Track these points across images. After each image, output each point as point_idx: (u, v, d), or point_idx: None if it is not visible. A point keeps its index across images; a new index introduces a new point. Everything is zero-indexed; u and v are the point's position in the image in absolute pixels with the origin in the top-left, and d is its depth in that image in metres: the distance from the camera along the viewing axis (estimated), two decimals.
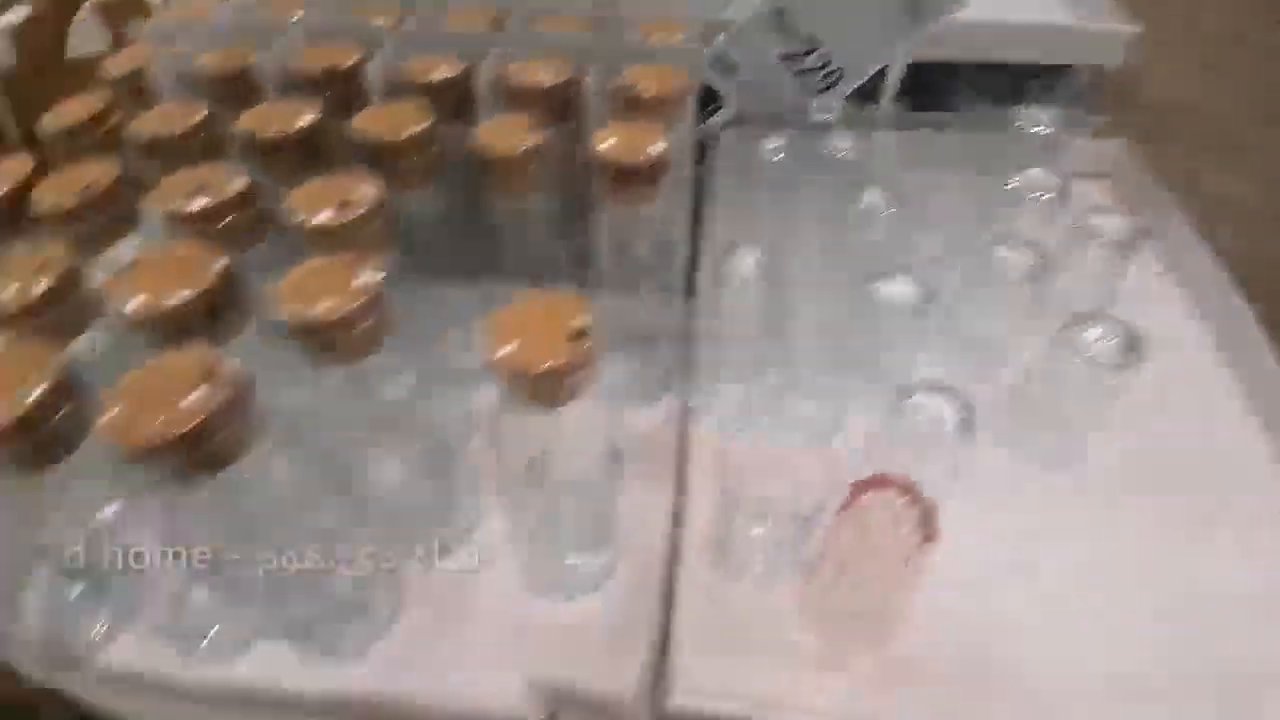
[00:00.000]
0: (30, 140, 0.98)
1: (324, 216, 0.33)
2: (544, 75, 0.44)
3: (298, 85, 0.44)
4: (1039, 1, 0.81)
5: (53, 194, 0.34)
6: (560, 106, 0.45)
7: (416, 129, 0.38)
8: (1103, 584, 0.42)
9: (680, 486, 0.45)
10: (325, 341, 0.29)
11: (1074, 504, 0.46)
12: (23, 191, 0.36)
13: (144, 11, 0.70)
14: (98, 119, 0.42)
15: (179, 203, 0.34)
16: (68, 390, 0.26)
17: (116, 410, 0.23)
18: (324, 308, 0.28)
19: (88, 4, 0.80)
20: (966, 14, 0.63)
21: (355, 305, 0.28)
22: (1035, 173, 0.58)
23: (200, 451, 0.24)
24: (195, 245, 0.31)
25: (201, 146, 0.40)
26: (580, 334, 0.28)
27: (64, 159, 0.41)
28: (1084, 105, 0.77)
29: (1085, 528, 0.44)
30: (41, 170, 0.38)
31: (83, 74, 0.87)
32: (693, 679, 0.37)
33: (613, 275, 0.46)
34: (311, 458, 0.31)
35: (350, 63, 0.44)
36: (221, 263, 0.30)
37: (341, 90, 0.44)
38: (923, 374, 0.52)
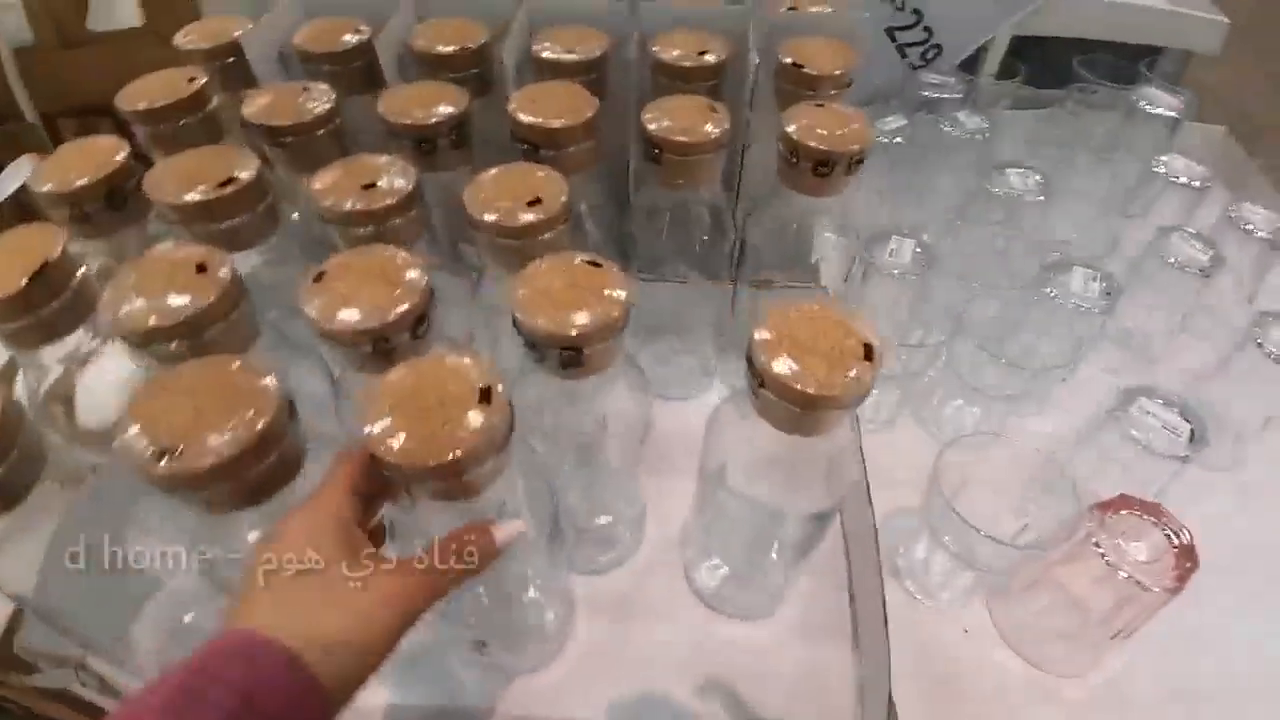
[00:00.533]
0: (47, 119, 0.91)
1: (521, 215, 0.29)
2: (701, 52, 0.39)
3: (427, 64, 0.39)
4: None
5: (182, 186, 0.29)
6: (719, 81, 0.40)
7: (584, 117, 0.34)
8: None
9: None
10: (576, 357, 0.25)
11: (1240, 499, 0.43)
12: (123, 177, 0.31)
13: None
14: (195, 100, 0.36)
15: (347, 200, 0.29)
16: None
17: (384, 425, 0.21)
18: (579, 324, 0.24)
19: None
20: None
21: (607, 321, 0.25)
22: (1176, 160, 0.55)
23: (460, 479, 0.22)
24: (386, 249, 0.27)
25: (330, 133, 0.35)
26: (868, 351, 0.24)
27: (159, 141, 0.36)
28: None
29: (1246, 520, 0.42)
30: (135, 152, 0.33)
31: (109, 47, 0.80)
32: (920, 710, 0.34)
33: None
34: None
35: (482, 41, 0.39)
36: (420, 274, 0.26)
37: (474, 70, 0.39)
38: (1087, 372, 0.49)
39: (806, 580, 0.40)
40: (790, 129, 0.34)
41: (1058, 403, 0.48)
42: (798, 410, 0.23)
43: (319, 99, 0.35)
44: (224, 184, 0.29)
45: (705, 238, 0.42)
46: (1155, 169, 0.54)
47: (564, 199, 0.30)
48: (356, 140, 0.37)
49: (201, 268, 0.25)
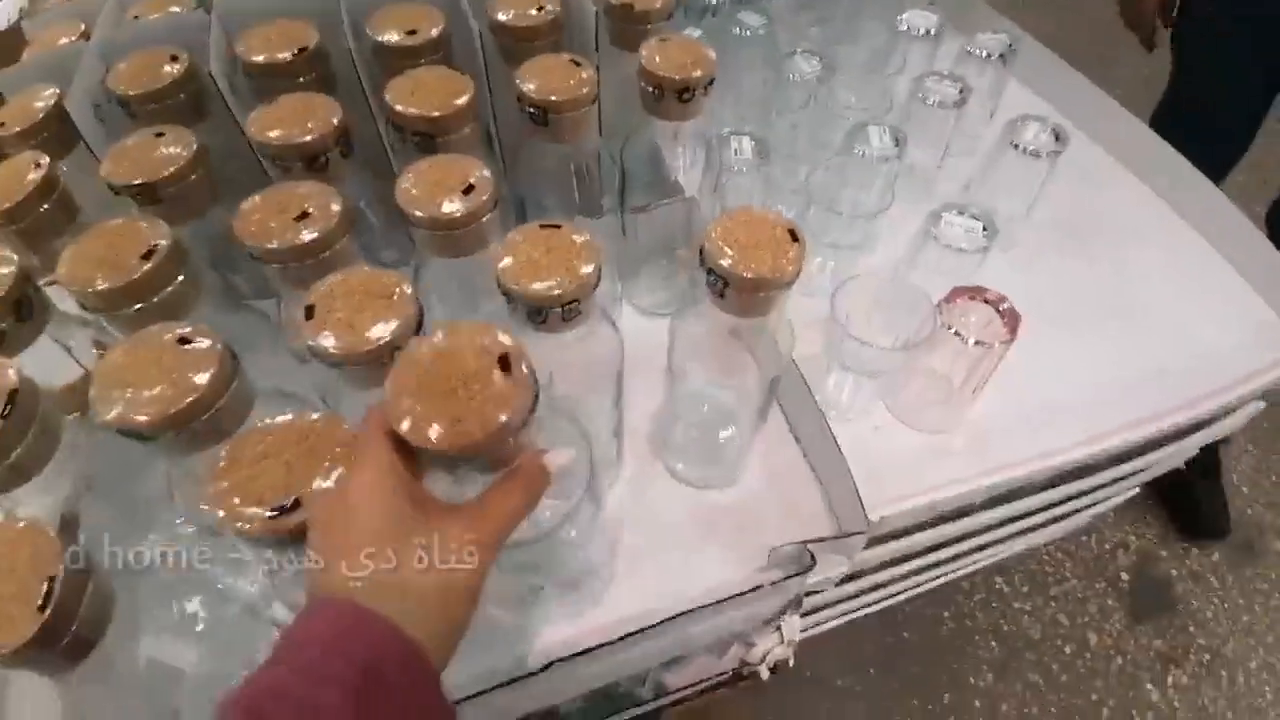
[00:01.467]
0: None
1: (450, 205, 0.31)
2: (533, 9, 0.42)
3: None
4: None
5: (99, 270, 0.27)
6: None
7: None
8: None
9: None
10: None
11: (1028, 268, 0.59)
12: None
13: None
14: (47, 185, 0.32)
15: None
16: None
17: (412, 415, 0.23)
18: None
19: None
20: None
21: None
22: (914, 15, 0.67)
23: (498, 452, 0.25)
24: None
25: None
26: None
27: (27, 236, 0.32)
28: None
29: (1033, 280, 0.57)
30: None
31: None
32: (869, 496, 0.44)
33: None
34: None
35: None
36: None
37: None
38: (897, 208, 0.61)
39: (760, 444, 0.49)
40: (651, 66, 0.38)
41: (884, 236, 0.60)
42: (756, 295, 0.30)
43: (176, 144, 0.33)
44: (145, 256, 0.28)
45: (586, 182, 0.46)
46: (899, 28, 0.66)
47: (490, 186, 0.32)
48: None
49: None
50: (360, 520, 0.21)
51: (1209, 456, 1.15)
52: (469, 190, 0.32)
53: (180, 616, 0.32)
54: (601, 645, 0.35)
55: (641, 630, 0.35)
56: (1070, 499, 0.56)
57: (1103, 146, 0.69)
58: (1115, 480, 0.56)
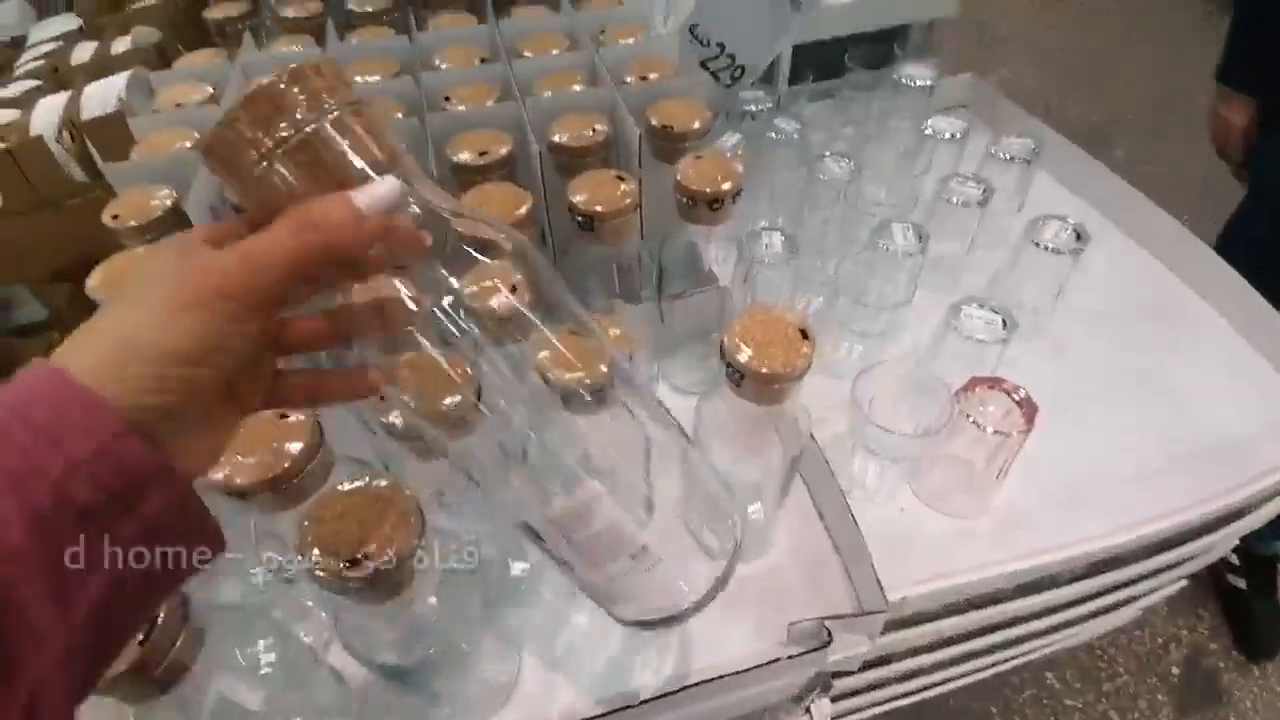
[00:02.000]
0: None
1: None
2: (586, 133, 0.48)
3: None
4: None
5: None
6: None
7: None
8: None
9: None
10: None
11: (1056, 356, 0.60)
12: None
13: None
14: None
15: None
16: None
17: None
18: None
19: None
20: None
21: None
22: (939, 120, 0.72)
23: None
24: None
25: None
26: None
27: None
28: (925, 51, 0.94)
29: (1061, 368, 0.59)
30: None
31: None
32: (891, 577, 0.46)
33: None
34: None
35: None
36: None
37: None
38: (921, 297, 0.64)
39: (785, 518, 0.51)
40: (685, 180, 0.44)
41: (910, 326, 0.63)
42: (770, 387, 0.33)
43: None
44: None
45: (627, 275, 0.51)
46: (925, 132, 0.71)
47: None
48: None
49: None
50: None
51: (1266, 574, 1.12)
52: (514, 289, 0.37)
53: (247, 659, 0.36)
54: (620, 710, 0.37)
55: (661, 697, 0.37)
56: (1107, 591, 0.55)
57: (1130, 236, 0.71)
58: (1154, 572, 0.55)
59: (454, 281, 0.24)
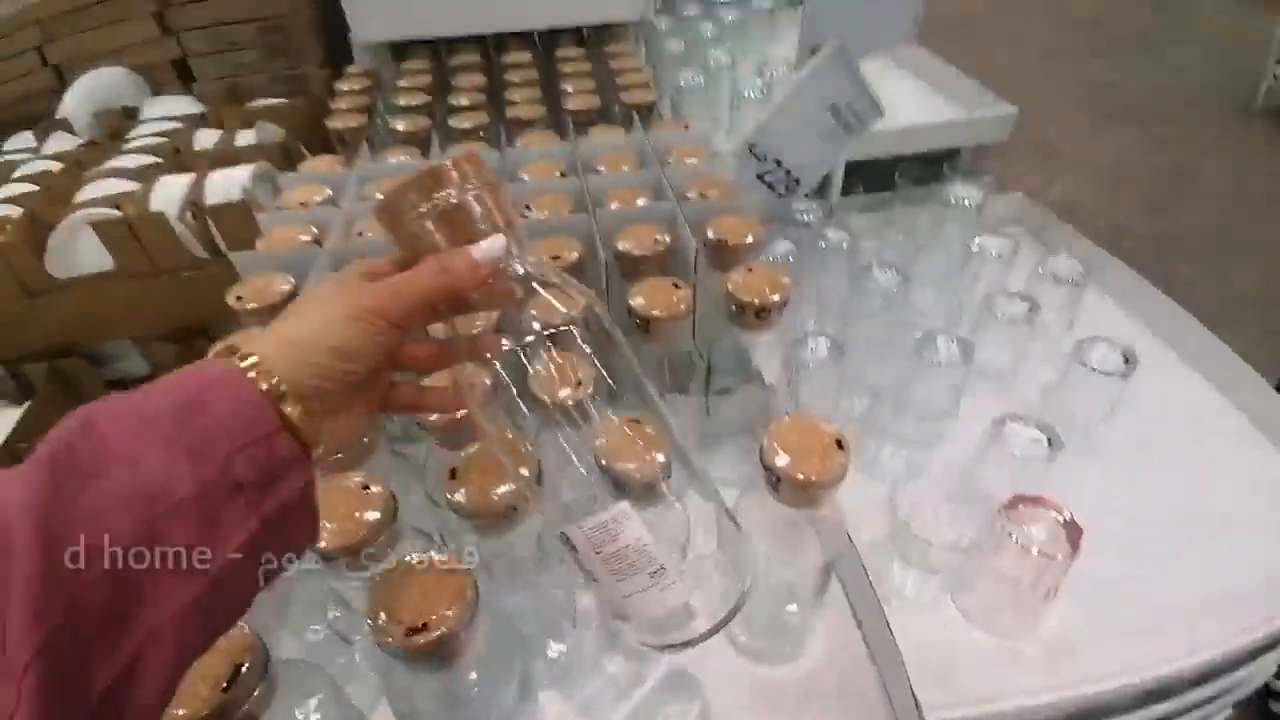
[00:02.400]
0: (10, 365, 0.92)
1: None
2: (649, 243, 0.53)
3: None
4: (931, 101, 1.04)
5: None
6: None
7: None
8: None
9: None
10: None
11: (1105, 477, 0.59)
12: None
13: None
14: None
15: None
16: None
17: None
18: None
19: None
20: (886, 122, 0.80)
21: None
22: (987, 240, 0.75)
23: None
24: None
25: None
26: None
27: None
28: (977, 167, 0.98)
29: (1112, 489, 0.57)
30: None
31: (76, 291, 0.85)
32: (931, 697, 0.45)
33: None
34: None
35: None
36: None
37: None
38: (967, 405, 0.65)
39: (820, 622, 0.51)
40: (735, 290, 0.48)
41: (956, 434, 0.63)
42: (805, 493, 0.35)
43: None
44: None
45: (678, 370, 0.55)
46: (973, 249, 0.74)
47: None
48: None
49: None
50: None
51: None
52: (578, 384, 0.40)
53: (301, 713, 0.38)
54: None
55: None
56: None
57: (1183, 359, 0.71)
58: (1204, 701, 0.51)
59: (536, 325, 0.31)
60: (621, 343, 0.33)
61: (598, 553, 0.29)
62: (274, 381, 0.24)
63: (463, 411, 0.38)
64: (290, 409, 0.24)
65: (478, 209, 0.29)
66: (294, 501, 0.24)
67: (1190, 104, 2.65)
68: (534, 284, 0.31)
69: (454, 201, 0.28)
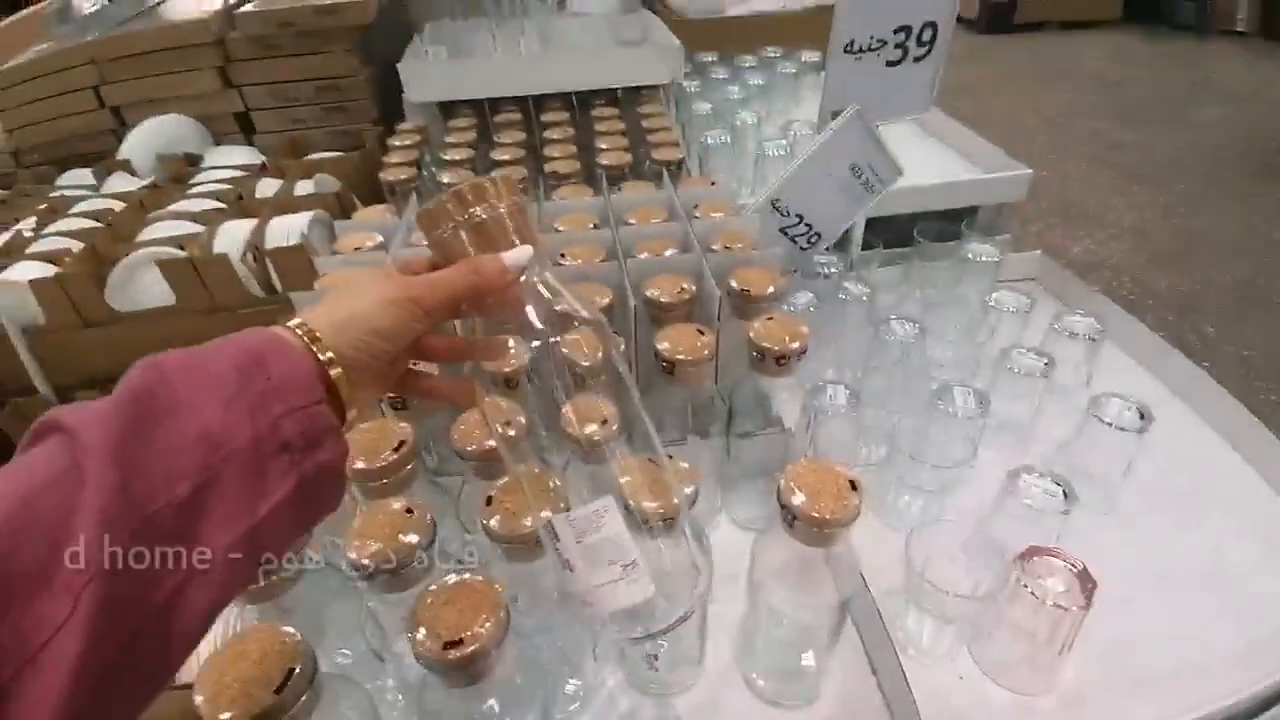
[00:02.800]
0: (61, 391, 0.97)
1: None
2: (675, 291, 0.57)
3: None
4: (949, 161, 1.08)
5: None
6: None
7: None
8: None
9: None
10: None
11: (1120, 531, 0.60)
12: None
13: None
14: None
15: None
16: None
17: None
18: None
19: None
20: (905, 180, 0.84)
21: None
22: (1004, 295, 0.77)
23: None
24: None
25: None
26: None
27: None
28: (995, 226, 1.01)
29: (1127, 545, 0.58)
30: None
31: (132, 324, 0.90)
32: None
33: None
34: None
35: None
36: None
37: None
38: (984, 456, 0.66)
39: (836, 666, 0.51)
40: (756, 337, 0.50)
41: (969, 483, 0.64)
42: (820, 531, 0.37)
43: None
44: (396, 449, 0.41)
45: (700, 413, 0.57)
46: (990, 304, 0.76)
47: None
48: None
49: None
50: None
51: None
52: (604, 422, 0.43)
53: None
54: None
55: None
56: None
57: (1199, 416, 0.71)
58: None
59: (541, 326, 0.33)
60: (616, 344, 0.36)
61: (579, 542, 0.32)
62: (328, 355, 0.28)
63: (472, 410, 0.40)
64: (337, 378, 0.28)
65: (508, 224, 0.33)
66: (330, 467, 0.27)
67: (1210, 164, 2.67)
68: (548, 293, 0.34)
69: (485, 217, 0.32)
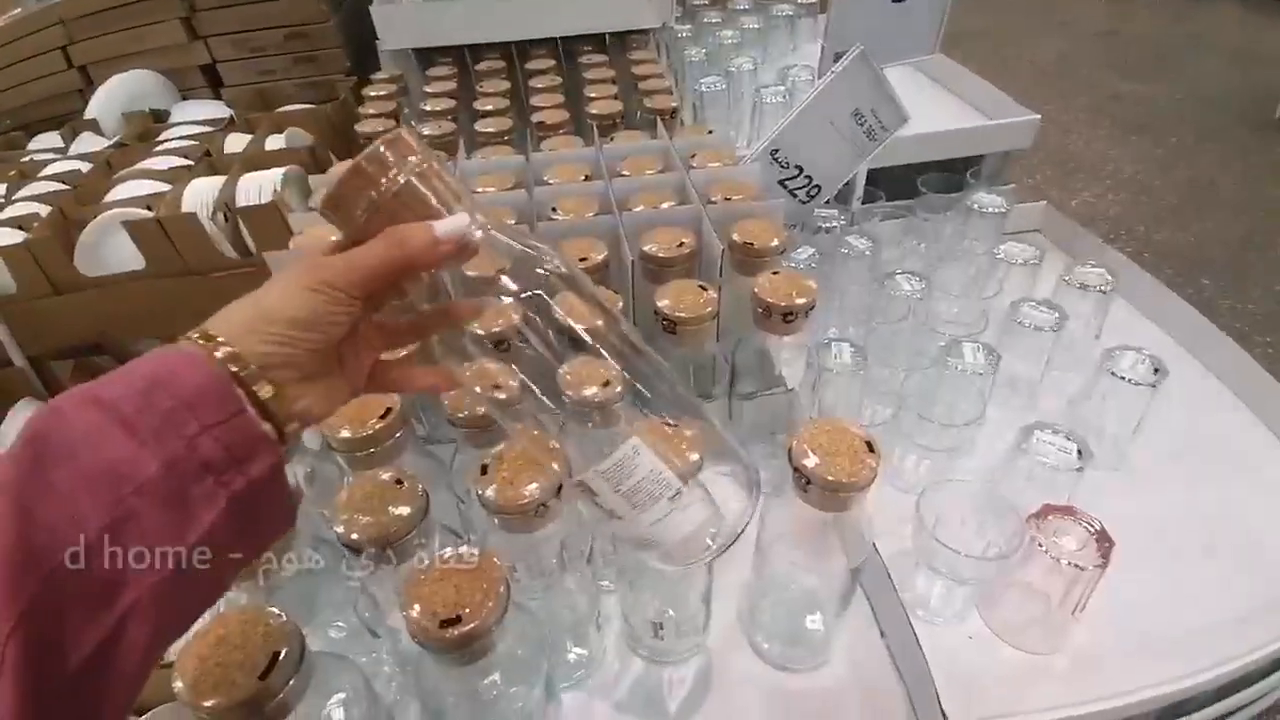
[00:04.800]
0: (36, 361, 0.93)
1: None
2: (674, 245, 0.53)
3: None
4: (953, 108, 1.04)
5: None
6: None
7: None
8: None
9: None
10: None
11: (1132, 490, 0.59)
12: None
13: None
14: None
15: None
16: None
17: None
18: None
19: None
20: (909, 128, 0.80)
21: None
22: (1012, 247, 0.74)
23: None
24: None
25: None
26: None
27: None
28: (998, 177, 0.97)
29: (1139, 502, 0.56)
30: None
31: (104, 290, 0.86)
32: (957, 710, 0.44)
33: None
34: None
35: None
36: None
37: None
38: (993, 414, 0.64)
39: (845, 631, 0.50)
40: (761, 292, 0.48)
41: (982, 444, 0.62)
42: (835, 495, 0.35)
43: None
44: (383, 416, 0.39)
45: (702, 373, 0.55)
46: (998, 257, 0.73)
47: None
48: None
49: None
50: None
51: None
52: (606, 384, 0.40)
53: (329, 708, 0.38)
54: None
55: None
56: None
57: (1208, 371, 0.70)
58: (1225, 717, 0.50)
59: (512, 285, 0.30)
60: (595, 295, 0.33)
61: (617, 490, 0.30)
62: (231, 352, 0.25)
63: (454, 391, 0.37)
64: (256, 384, 0.25)
65: (424, 190, 0.28)
66: (263, 480, 0.25)
67: (1208, 116, 2.63)
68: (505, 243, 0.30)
69: (400, 184, 0.27)
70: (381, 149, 0.27)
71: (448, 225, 0.28)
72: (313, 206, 0.61)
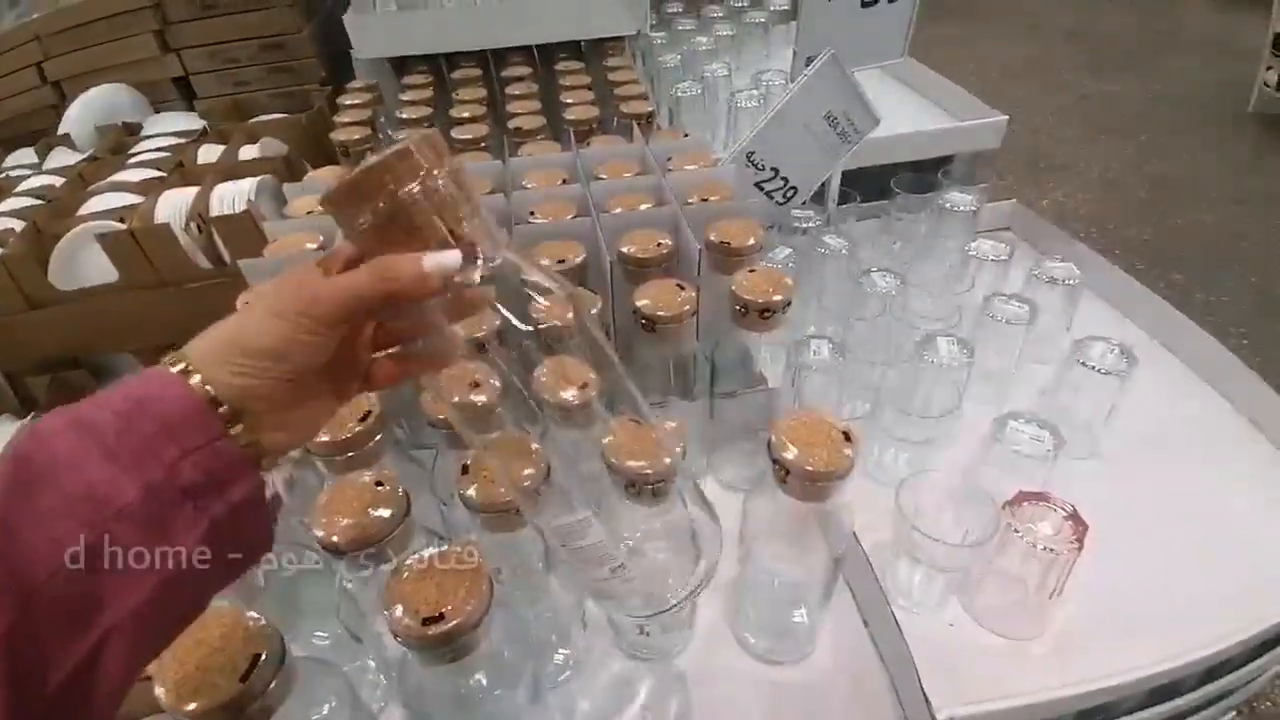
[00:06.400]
0: (13, 377, 0.92)
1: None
2: (652, 246, 0.54)
3: None
4: (923, 110, 1.06)
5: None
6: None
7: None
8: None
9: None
10: None
11: (1106, 476, 0.60)
12: None
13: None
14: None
15: None
16: None
17: None
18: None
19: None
20: (881, 130, 0.82)
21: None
22: (983, 244, 0.76)
23: None
24: None
25: None
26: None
27: None
28: (969, 177, 0.99)
29: (1114, 489, 0.57)
30: None
31: (79, 305, 0.85)
32: (940, 696, 0.45)
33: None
34: None
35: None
36: None
37: None
38: (969, 407, 0.66)
39: (829, 623, 0.51)
40: (739, 290, 0.48)
41: (958, 436, 0.63)
42: (814, 484, 0.36)
43: None
44: (362, 419, 0.39)
45: (682, 372, 0.55)
46: (970, 253, 0.75)
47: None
48: None
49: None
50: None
51: None
52: (584, 386, 0.41)
53: (314, 712, 0.38)
54: None
55: None
56: None
57: (1177, 359, 0.72)
58: (1207, 700, 0.51)
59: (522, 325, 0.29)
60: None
61: (564, 546, 0.30)
62: (197, 381, 0.24)
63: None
64: (223, 410, 0.24)
65: (432, 210, 0.25)
66: (244, 504, 0.25)
67: (1179, 112, 2.69)
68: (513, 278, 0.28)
69: (403, 199, 0.24)
70: (411, 151, 0.25)
71: (435, 260, 0.25)
72: (289, 215, 0.61)
